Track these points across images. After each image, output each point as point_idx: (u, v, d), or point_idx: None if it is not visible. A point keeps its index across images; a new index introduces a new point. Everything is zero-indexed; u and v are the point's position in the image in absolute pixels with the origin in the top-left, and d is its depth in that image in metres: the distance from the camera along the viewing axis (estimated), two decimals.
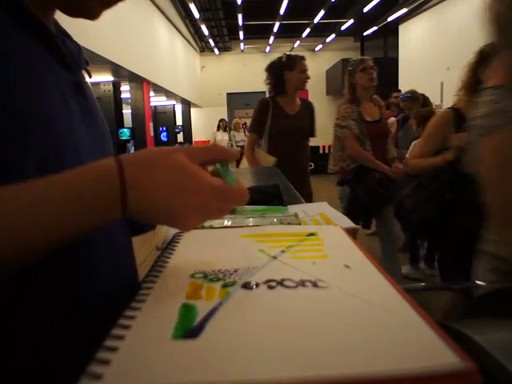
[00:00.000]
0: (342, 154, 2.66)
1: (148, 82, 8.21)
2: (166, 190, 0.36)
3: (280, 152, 2.59)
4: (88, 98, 0.52)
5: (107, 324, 0.31)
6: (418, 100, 3.64)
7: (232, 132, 8.91)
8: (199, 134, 14.57)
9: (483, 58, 1.69)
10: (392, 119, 4.14)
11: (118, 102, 7.27)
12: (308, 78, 2.72)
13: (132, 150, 7.68)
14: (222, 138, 8.30)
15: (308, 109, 2.85)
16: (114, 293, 0.46)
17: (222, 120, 8.42)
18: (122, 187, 0.35)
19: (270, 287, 0.38)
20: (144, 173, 0.36)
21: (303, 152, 2.81)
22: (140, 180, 0.36)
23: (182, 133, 13.82)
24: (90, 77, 0.56)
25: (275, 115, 2.66)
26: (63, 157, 0.41)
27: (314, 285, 0.38)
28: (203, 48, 15.79)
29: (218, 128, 8.34)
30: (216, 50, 15.65)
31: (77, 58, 0.52)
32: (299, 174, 2.70)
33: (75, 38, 0.55)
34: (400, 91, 4.72)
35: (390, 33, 14.08)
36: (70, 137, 0.44)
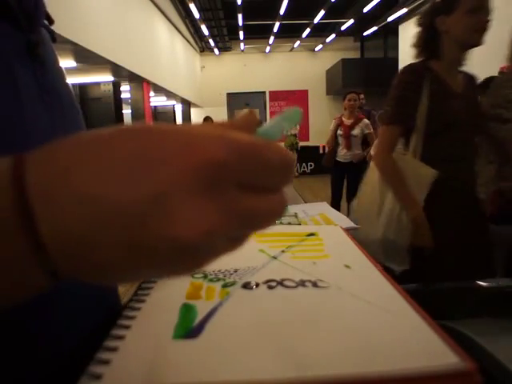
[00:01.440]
0: (503, 168, 1.51)
1: (148, 82, 8.22)
2: (116, 183, 0.17)
3: (442, 160, 1.37)
4: (49, 69, 0.36)
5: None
6: None
7: None
8: None
9: None
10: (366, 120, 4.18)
11: (118, 102, 7.27)
12: (487, 22, 1.37)
13: None
14: None
15: (473, 85, 1.53)
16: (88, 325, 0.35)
17: (206, 118, 6.59)
18: (18, 202, 0.17)
19: (270, 287, 0.38)
20: (68, 167, 0.18)
21: (475, 160, 1.47)
22: (58, 184, 0.17)
23: None
24: (54, 41, 0.41)
25: (435, 95, 1.37)
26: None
27: (314, 285, 0.38)
28: (203, 48, 15.79)
29: None
30: (216, 50, 15.66)
31: (31, 10, 0.34)
32: (472, 204, 1.44)
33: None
34: (360, 93, 4.55)
35: (390, 33, 14.08)
36: (14, 128, 0.29)
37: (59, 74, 0.40)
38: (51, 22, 0.41)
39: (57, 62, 0.40)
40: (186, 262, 0.19)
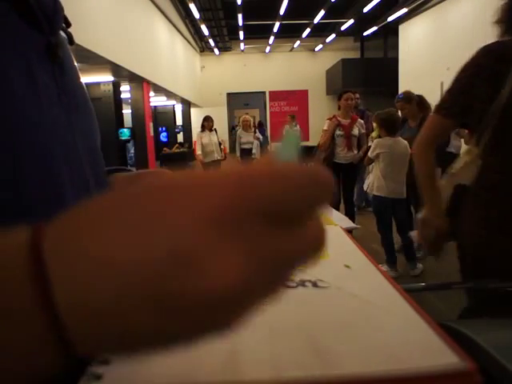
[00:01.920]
0: None
1: (148, 82, 8.22)
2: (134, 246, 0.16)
3: None
4: (67, 70, 0.37)
5: None
6: (411, 101, 3.65)
7: (239, 131, 6.72)
8: None
9: None
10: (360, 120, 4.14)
11: (118, 102, 7.28)
12: None
13: (132, 150, 7.66)
14: (210, 140, 6.28)
15: None
16: None
17: (206, 119, 6.39)
18: (33, 270, 0.16)
19: None
20: (81, 232, 0.17)
21: None
22: (72, 250, 0.16)
23: (181, 133, 13.83)
24: (72, 43, 0.41)
25: None
26: (25, 163, 0.28)
27: (314, 285, 0.38)
28: (203, 48, 15.79)
29: (203, 128, 6.35)
30: (216, 50, 15.66)
31: (50, 13, 0.35)
32: None
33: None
34: (355, 93, 4.60)
35: (390, 33, 14.08)
36: (37, 129, 0.30)
37: (75, 74, 0.40)
38: (68, 24, 0.41)
39: (73, 62, 0.41)
40: (225, 316, 0.17)
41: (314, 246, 0.17)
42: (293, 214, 0.17)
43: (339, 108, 4.04)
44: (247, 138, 6.44)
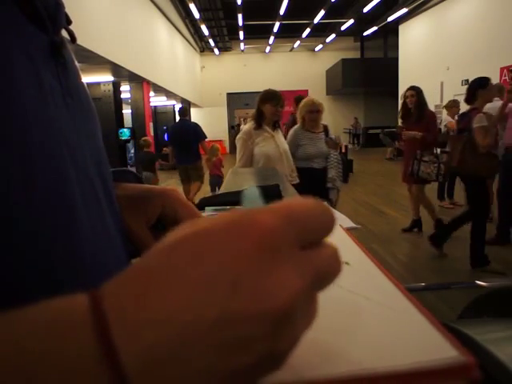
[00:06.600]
0: None
1: (148, 82, 8.23)
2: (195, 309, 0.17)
3: None
4: (70, 70, 0.37)
5: None
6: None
7: (295, 129, 3.32)
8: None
9: None
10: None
11: (118, 102, 7.28)
12: None
13: (132, 150, 7.67)
14: (277, 148, 2.65)
15: None
16: None
17: (271, 96, 2.75)
18: (101, 339, 0.16)
19: None
20: (140, 294, 0.18)
21: None
22: (134, 312, 0.17)
23: None
24: (74, 41, 0.41)
25: None
26: (35, 163, 0.28)
27: None
28: (203, 48, 15.79)
29: (260, 122, 2.65)
30: (216, 50, 15.66)
31: (53, 11, 0.35)
32: None
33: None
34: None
35: (390, 33, 14.09)
36: (45, 130, 0.30)
37: (77, 74, 0.40)
38: (69, 22, 0.41)
39: (74, 62, 0.40)
40: (290, 331, 0.19)
41: (334, 259, 0.22)
42: (315, 240, 0.21)
43: (471, 101, 3.11)
44: (317, 146, 3.09)
